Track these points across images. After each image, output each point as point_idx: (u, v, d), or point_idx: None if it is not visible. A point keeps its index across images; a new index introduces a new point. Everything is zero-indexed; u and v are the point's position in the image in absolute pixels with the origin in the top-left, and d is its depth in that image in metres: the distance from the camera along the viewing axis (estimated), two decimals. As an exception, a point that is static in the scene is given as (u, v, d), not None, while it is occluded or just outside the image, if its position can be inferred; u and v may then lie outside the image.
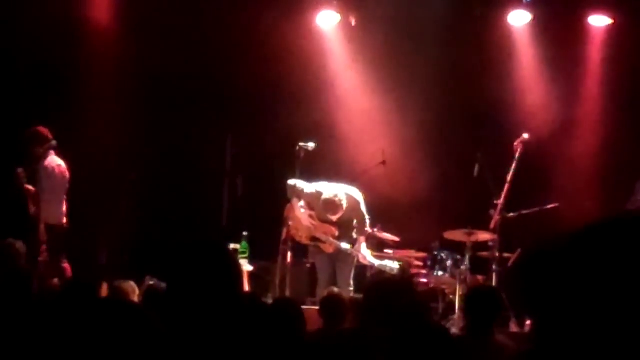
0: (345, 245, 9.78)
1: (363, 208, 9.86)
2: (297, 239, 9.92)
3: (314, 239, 9.88)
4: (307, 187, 9.85)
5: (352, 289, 9.88)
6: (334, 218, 9.71)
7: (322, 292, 9.48)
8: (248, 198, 11.87)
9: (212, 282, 3.13)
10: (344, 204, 9.59)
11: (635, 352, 1.71)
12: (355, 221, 9.87)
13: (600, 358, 1.75)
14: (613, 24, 11.59)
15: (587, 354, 1.76)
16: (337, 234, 9.82)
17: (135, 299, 6.71)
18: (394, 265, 9.84)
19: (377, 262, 9.85)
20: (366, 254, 9.83)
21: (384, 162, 10.11)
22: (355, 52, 12.05)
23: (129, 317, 2.43)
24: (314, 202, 9.83)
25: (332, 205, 9.59)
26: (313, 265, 10.26)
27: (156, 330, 2.43)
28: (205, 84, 11.98)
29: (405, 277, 10.22)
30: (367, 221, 9.88)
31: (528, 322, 9.66)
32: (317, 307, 7.07)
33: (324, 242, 9.85)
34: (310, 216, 9.79)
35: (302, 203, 9.90)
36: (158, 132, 11.80)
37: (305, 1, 11.92)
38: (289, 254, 9.76)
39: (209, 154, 12.35)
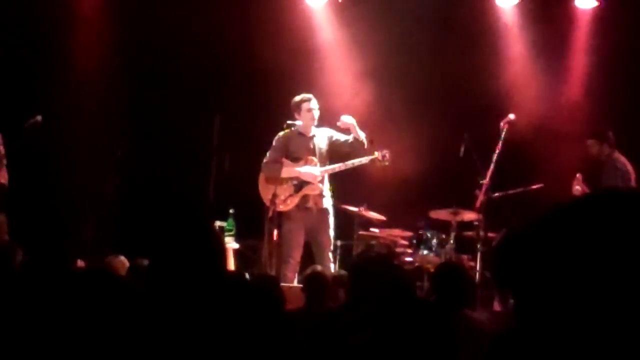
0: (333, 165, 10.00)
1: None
2: (284, 206, 9.89)
3: (298, 188, 9.91)
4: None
5: (332, 264, 9.92)
6: (314, 123, 9.88)
7: (291, 273, 9.59)
8: (235, 175, 11.87)
9: (195, 259, 3.14)
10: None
11: (609, 328, 1.76)
12: (328, 151, 10.05)
13: (577, 336, 1.80)
14: (599, 6, 11.63)
15: (564, 332, 1.81)
16: (316, 160, 9.93)
17: (124, 274, 6.70)
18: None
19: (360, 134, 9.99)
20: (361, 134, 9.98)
21: (371, 141, 10.13)
22: (344, 29, 12.05)
23: (110, 287, 2.45)
24: (288, 143, 9.96)
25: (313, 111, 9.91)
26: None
27: (138, 301, 2.46)
28: (193, 60, 11.98)
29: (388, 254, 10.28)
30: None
31: (512, 302, 9.73)
32: (300, 285, 7.11)
33: (312, 185, 9.88)
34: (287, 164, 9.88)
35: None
36: (145, 108, 11.79)
37: (293, -21, 11.94)
38: (275, 232, 9.78)
39: (196, 130, 12.36)
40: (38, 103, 10.32)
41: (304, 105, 9.92)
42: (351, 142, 9.97)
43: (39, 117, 9.81)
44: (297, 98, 9.99)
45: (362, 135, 9.95)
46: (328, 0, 11.97)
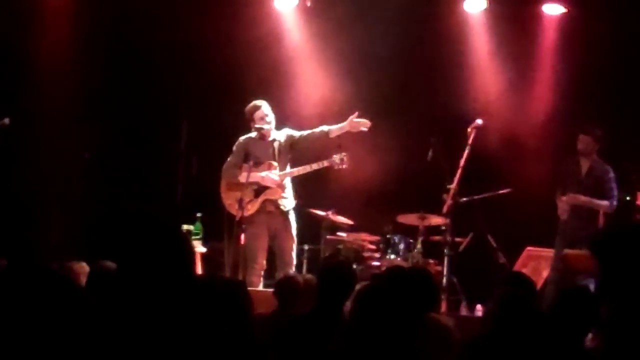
0: (291, 169, 10.03)
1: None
2: (248, 212, 9.87)
3: (258, 192, 9.90)
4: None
5: (293, 270, 9.88)
6: (269, 126, 9.88)
7: (256, 278, 9.59)
8: (202, 179, 11.84)
9: (164, 263, 3.13)
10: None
11: None
12: (289, 152, 10.04)
13: None
14: (566, 12, 11.70)
15: None
16: (276, 164, 9.92)
17: (85, 280, 6.66)
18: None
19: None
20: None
21: (339, 146, 10.15)
22: (312, 34, 12.04)
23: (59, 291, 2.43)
24: (248, 148, 9.94)
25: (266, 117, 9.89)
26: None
27: (87, 306, 2.44)
28: (161, 62, 11.92)
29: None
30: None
31: (479, 307, 9.79)
32: (272, 290, 7.09)
33: (272, 189, 9.88)
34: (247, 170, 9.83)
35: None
36: (112, 111, 11.74)
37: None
38: (243, 236, 9.76)
39: (163, 134, 12.31)
40: (5, 106, 10.23)
41: (257, 115, 9.91)
42: (310, 132, 10.00)
43: (6, 120, 9.74)
44: (248, 108, 9.97)
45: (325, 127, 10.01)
46: (297, 4, 11.95)
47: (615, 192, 10.14)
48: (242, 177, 9.79)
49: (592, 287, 9.11)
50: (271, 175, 9.90)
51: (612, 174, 10.16)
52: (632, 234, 2.46)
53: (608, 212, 10.13)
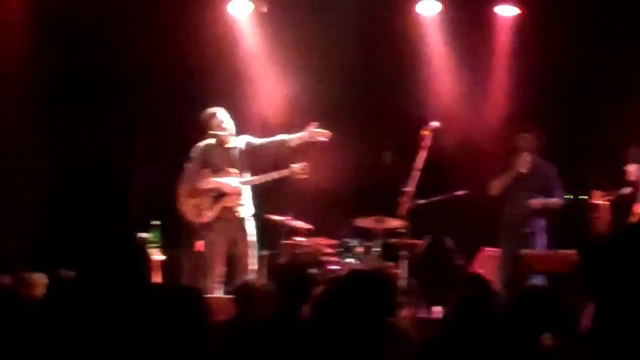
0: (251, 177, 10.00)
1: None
2: (206, 219, 9.84)
3: (217, 199, 9.86)
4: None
5: (252, 276, 9.86)
6: (226, 132, 9.83)
7: (215, 285, 9.57)
8: (160, 186, 11.80)
9: (120, 272, 3.12)
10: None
11: None
12: (248, 159, 10.02)
13: None
14: (520, 14, 11.78)
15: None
16: (236, 171, 9.89)
17: (43, 291, 6.61)
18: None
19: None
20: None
21: (294, 150, 10.14)
22: (268, 40, 12.03)
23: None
24: (206, 154, 9.89)
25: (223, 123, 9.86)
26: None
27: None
28: (115, 69, 11.85)
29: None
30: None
31: (437, 309, 9.82)
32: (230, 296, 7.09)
33: (229, 196, 9.85)
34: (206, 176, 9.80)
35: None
36: (66, 118, 11.65)
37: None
38: (201, 243, 9.72)
39: (119, 141, 12.24)
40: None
41: (213, 122, 9.86)
42: (269, 141, 9.99)
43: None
44: (204, 115, 9.92)
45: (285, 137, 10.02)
46: (253, 10, 11.92)
47: (562, 189, 10.31)
48: (202, 183, 9.76)
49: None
50: (231, 181, 9.88)
51: (556, 170, 10.32)
52: (622, 238, 2.54)
53: (558, 209, 10.30)
